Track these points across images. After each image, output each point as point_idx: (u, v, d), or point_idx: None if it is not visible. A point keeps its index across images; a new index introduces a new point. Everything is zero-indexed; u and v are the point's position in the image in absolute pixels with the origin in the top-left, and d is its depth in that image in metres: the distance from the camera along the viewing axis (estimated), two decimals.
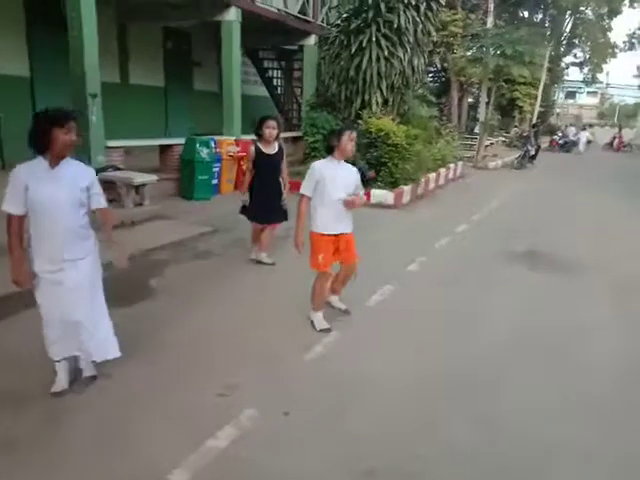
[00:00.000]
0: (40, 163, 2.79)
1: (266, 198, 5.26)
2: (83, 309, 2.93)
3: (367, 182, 8.99)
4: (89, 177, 2.94)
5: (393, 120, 11.39)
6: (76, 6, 6.60)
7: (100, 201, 2.99)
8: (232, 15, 9.42)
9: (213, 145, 8.60)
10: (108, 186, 6.91)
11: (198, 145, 8.10)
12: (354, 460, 2.51)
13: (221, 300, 4.42)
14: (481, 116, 18.72)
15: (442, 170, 12.14)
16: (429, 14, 11.39)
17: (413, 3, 10.61)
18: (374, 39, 10.54)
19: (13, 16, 8.51)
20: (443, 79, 23.21)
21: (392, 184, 9.12)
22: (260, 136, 5.15)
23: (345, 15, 11.11)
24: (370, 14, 10.49)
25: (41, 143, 2.72)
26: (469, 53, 17.27)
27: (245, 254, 5.64)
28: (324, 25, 12.39)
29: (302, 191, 3.77)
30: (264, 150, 5.16)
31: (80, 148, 6.74)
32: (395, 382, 3.23)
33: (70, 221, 2.84)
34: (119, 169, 7.19)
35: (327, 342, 3.72)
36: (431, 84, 25.93)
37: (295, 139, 11.77)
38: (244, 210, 5.42)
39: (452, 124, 20.57)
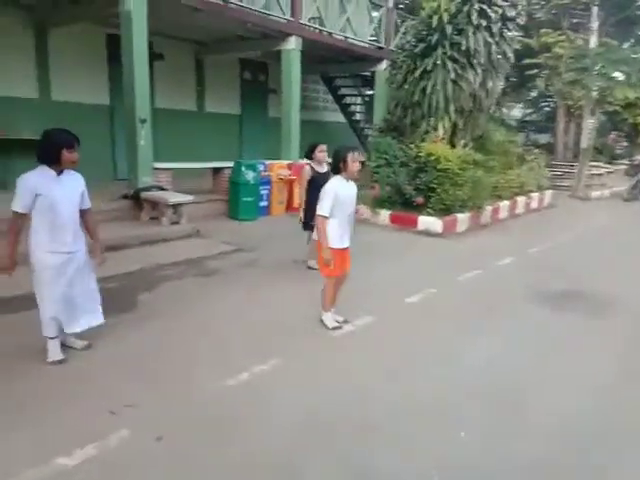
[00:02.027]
0: (46, 171, 3.38)
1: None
2: (84, 288, 3.62)
3: (415, 207, 8.69)
4: (82, 184, 3.63)
5: (465, 145, 10.91)
6: (128, 48, 7.24)
7: (88, 203, 3.71)
8: (292, 44, 9.72)
9: (262, 168, 8.86)
10: (150, 205, 7.43)
11: (244, 168, 8.40)
12: None
13: (189, 319, 4.46)
14: (583, 142, 17.14)
15: (520, 198, 11.28)
16: (505, 34, 10.80)
17: (484, 24, 10.13)
18: (439, 62, 10.21)
19: (98, 54, 9.59)
20: (550, 104, 21.76)
21: (443, 211, 8.63)
22: (312, 159, 5.86)
23: (411, 39, 10.91)
24: (435, 37, 10.20)
25: (51, 158, 3.36)
26: (566, 75, 15.98)
27: (256, 273, 5.85)
28: (396, 50, 12.27)
29: (322, 213, 4.07)
30: (318, 169, 5.79)
31: (130, 168, 7.42)
32: (293, 420, 3.01)
33: (74, 218, 3.52)
34: (163, 189, 7.68)
35: (260, 370, 3.56)
36: (533, 109, 24.58)
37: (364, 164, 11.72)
38: (306, 226, 5.92)
39: (558, 150, 19.22)
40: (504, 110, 23.20)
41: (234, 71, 12.36)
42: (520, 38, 20.70)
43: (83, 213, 3.64)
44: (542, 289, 5.73)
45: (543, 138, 22.34)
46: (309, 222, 5.67)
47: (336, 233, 4.14)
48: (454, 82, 10.33)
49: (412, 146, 9.03)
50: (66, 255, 3.49)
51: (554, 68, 18.24)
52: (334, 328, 4.29)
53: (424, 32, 10.51)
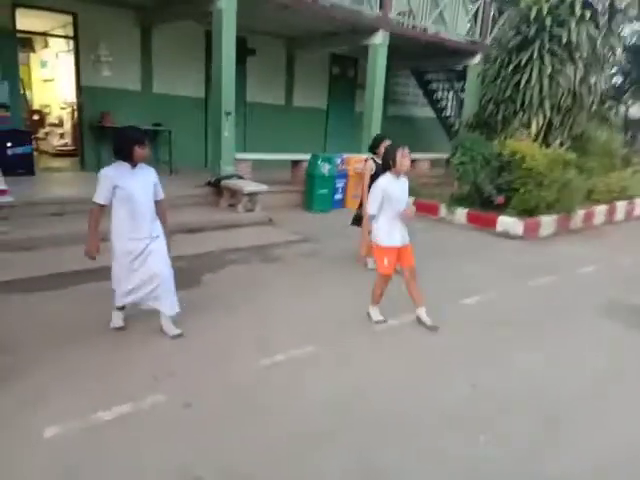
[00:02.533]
0: (123, 166, 3.69)
1: None
2: (163, 266, 3.83)
3: (495, 207, 8.35)
4: (155, 176, 3.88)
5: (562, 144, 10.26)
6: (218, 45, 7.66)
7: (161, 194, 3.94)
8: (379, 38, 9.69)
9: (339, 162, 8.98)
10: (229, 192, 7.85)
11: (320, 161, 8.56)
12: (188, 468, 2.52)
13: (242, 302, 4.68)
14: None
15: (621, 204, 10.37)
16: (612, 27, 9.96)
17: (587, 16, 9.41)
18: (536, 55, 9.66)
19: (197, 51, 10.21)
20: None
21: (526, 212, 8.19)
22: (376, 154, 5.71)
23: (508, 32, 10.41)
24: (533, 29, 9.66)
25: (126, 155, 3.66)
26: None
27: (315, 264, 5.96)
28: (491, 44, 11.77)
29: (370, 211, 4.15)
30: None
31: (214, 157, 7.88)
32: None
33: (150, 207, 3.79)
34: (241, 178, 8.05)
35: (293, 354, 3.68)
36: None
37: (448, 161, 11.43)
38: (355, 221, 5.97)
39: None
40: (621, 108, 21.35)
41: (324, 66, 12.55)
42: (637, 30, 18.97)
43: (157, 203, 3.88)
44: (620, 302, 5.29)
45: None
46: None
47: (385, 231, 4.14)
48: (551, 77, 9.75)
49: (496, 143, 8.62)
50: (145, 241, 3.74)
51: None
52: (378, 322, 4.32)
53: (521, 24, 9.99)
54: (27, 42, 13.06)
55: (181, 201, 7.81)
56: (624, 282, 6.00)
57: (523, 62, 9.78)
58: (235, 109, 10.86)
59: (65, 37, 9.54)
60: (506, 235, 8.00)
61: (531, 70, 9.75)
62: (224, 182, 7.84)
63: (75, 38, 8.89)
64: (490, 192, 8.37)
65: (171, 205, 7.51)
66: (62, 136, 11.81)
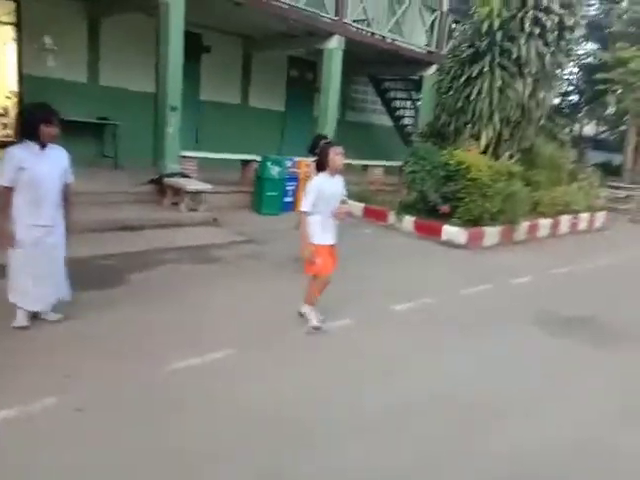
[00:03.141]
0: (30, 146, 3.49)
1: None
2: (58, 263, 3.76)
3: (441, 215, 8.42)
4: (66, 158, 3.76)
5: (511, 157, 10.46)
6: (164, 38, 7.46)
7: (71, 177, 3.83)
8: (334, 43, 9.69)
9: (290, 165, 8.90)
10: (172, 191, 7.64)
11: (270, 163, 8.46)
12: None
13: (167, 302, 4.51)
14: None
15: (565, 217, 10.65)
16: (561, 44, 10.25)
17: (536, 32, 9.66)
18: (487, 69, 9.84)
19: (146, 43, 9.94)
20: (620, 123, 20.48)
21: (471, 222, 8.30)
22: (316, 154, 5.40)
23: (459, 44, 10.59)
24: (484, 43, 9.84)
25: (31, 133, 3.48)
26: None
27: (254, 265, 5.85)
28: (447, 55, 11.96)
29: (304, 209, 4.06)
30: None
31: (157, 154, 7.64)
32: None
33: (55, 192, 3.64)
34: (186, 176, 7.86)
35: (211, 358, 3.55)
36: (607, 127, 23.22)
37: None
38: None
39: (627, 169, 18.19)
40: (576, 126, 22.08)
41: (281, 68, 12.48)
42: (593, 50, 19.71)
43: (64, 187, 3.76)
44: (549, 312, 5.38)
45: (617, 158, 20.96)
46: None
47: (319, 229, 4.08)
48: (501, 90, 9.93)
49: (444, 153, 8.72)
50: (44, 228, 3.61)
51: (628, 85, 17.15)
52: (314, 327, 4.17)
53: (474, 37, 10.17)
54: None
55: (121, 198, 7.56)
56: (553, 293, 6.12)
57: (474, 74, 9.94)
58: (189, 107, 10.70)
59: (6, 24, 9.11)
60: (450, 244, 8.08)
61: (482, 83, 9.91)
62: (167, 180, 7.63)
63: (18, 26, 8.52)
64: (435, 201, 8.45)
65: (110, 201, 7.37)
66: (5, 126, 11.30)
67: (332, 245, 4.22)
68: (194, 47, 10.55)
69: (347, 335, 4.22)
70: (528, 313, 5.26)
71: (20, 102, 8.89)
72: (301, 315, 4.31)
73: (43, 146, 3.56)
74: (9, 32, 9.06)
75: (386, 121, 14.71)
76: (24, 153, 3.49)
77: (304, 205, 4.07)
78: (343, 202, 4.31)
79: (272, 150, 12.16)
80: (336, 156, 4.02)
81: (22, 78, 8.71)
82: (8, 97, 11.35)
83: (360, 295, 5.24)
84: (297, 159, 9.21)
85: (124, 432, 2.66)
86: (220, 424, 2.83)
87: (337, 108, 10.27)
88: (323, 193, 4.03)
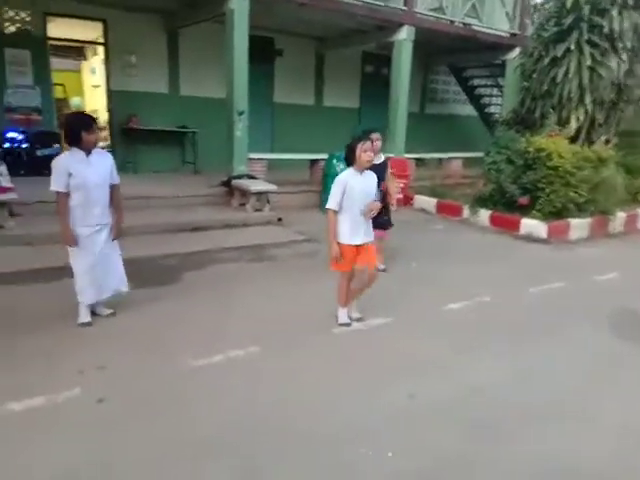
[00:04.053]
0: (77, 153, 3.78)
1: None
2: (112, 259, 4.02)
3: (520, 208, 7.84)
4: (111, 161, 3.99)
5: (608, 142, 9.49)
6: (230, 44, 7.70)
7: (116, 179, 4.03)
8: (403, 34, 9.41)
9: None
10: (240, 192, 7.88)
11: (335, 160, 8.39)
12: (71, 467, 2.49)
13: (209, 299, 4.62)
14: None
15: None
16: None
17: (630, 2, 8.64)
18: (573, 47, 8.98)
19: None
20: None
21: (553, 214, 7.62)
22: None
23: (542, 23, 9.77)
24: (569, 19, 8.99)
25: (74, 140, 3.75)
26: None
27: (307, 264, 5.79)
28: (530, 36, 11.11)
29: (330, 206, 3.92)
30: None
31: (227, 157, 7.92)
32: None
33: (103, 194, 3.90)
34: (253, 178, 8.05)
35: (234, 355, 3.58)
36: None
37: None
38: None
39: None
40: None
41: (355, 65, 12.36)
42: None
43: (112, 187, 3.99)
44: (628, 312, 4.77)
45: None
46: None
47: (346, 228, 3.93)
48: (591, 69, 9.03)
49: (522, 140, 8.08)
50: (94, 228, 3.87)
51: None
52: (341, 324, 4.12)
53: (559, 14, 9.34)
54: (79, 50, 13.86)
55: (194, 200, 7.93)
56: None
57: (560, 54, 9.13)
58: (263, 110, 10.99)
59: (96, 44, 9.96)
60: (529, 238, 7.48)
61: (569, 62, 9.08)
62: (234, 182, 7.87)
63: (105, 44, 9.27)
64: (513, 192, 7.86)
65: (183, 204, 7.76)
66: (106, 139, 12.38)
67: (362, 245, 3.97)
68: (267, 51, 10.82)
69: (383, 334, 4.04)
70: (602, 314, 4.71)
71: (110, 115, 9.66)
72: (336, 317, 4.21)
73: (88, 152, 3.80)
74: (100, 51, 9.90)
75: (470, 111, 14.01)
76: (70, 160, 3.74)
77: (329, 202, 3.92)
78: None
79: None
80: (363, 152, 3.80)
81: (111, 93, 9.44)
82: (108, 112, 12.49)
83: (413, 293, 5.02)
84: None
85: (133, 423, 2.75)
86: (219, 419, 2.84)
87: (407, 101, 9.95)
88: (351, 190, 3.85)
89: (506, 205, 8.14)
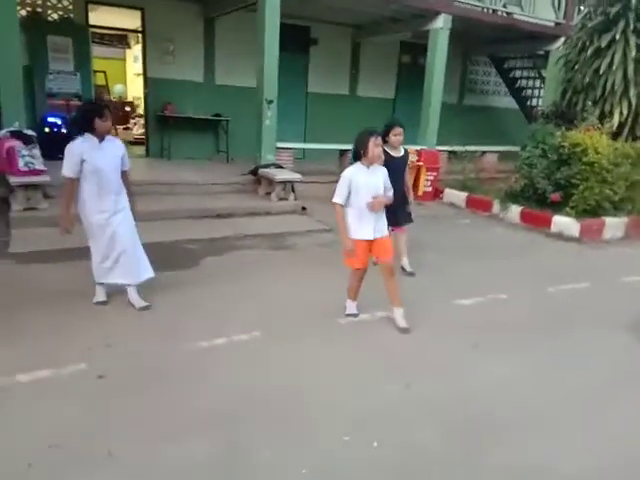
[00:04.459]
0: (90, 140, 3.84)
1: (398, 200, 5.36)
2: (128, 241, 4.03)
3: (553, 205, 7.61)
4: (122, 148, 4.07)
5: None
6: (261, 34, 7.74)
7: (127, 165, 4.12)
8: (440, 22, 9.22)
9: None
10: (267, 181, 7.96)
11: None
12: (54, 436, 2.61)
13: (223, 284, 4.72)
14: None
15: None
16: None
17: None
18: (618, 37, 8.58)
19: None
20: None
21: (587, 212, 7.35)
22: (386, 142, 5.27)
23: (588, 12, 9.35)
24: (616, 8, 8.58)
25: (87, 127, 3.82)
26: None
27: (325, 254, 5.80)
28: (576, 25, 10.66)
29: (334, 200, 3.89)
30: (392, 153, 5.20)
31: (256, 146, 8.01)
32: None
33: (117, 180, 3.97)
34: (280, 167, 8.11)
35: (237, 339, 3.65)
36: None
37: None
38: None
39: None
40: None
41: (392, 55, 12.19)
42: None
43: (122, 173, 4.06)
44: None
45: None
46: None
47: (355, 223, 3.88)
48: (637, 60, 8.62)
49: (557, 134, 7.79)
50: (108, 212, 3.95)
51: None
52: (348, 315, 4.15)
53: (604, 3, 8.92)
54: (122, 39, 14.27)
55: (221, 188, 8.08)
56: None
57: (604, 44, 8.74)
58: (297, 100, 11.03)
59: (135, 32, 10.21)
60: (560, 237, 7.25)
61: (614, 53, 8.70)
62: (261, 170, 7.95)
63: (143, 32, 9.49)
64: (545, 188, 7.61)
65: (211, 192, 7.91)
66: (143, 126, 12.73)
67: (375, 239, 3.91)
68: (302, 40, 10.82)
69: (386, 327, 4.01)
70: (624, 316, 4.52)
71: (146, 103, 9.92)
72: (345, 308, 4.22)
73: (101, 139, 3.89)
74: (138, 39, 10.15)
75: (511, 103, 13.59)
76: (84, 146, 3.79)
77: (334, 196, 3.87)
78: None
79: None
80: (375, 147, 3.75)
81: (147, 81, 9.68)
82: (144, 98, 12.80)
83: (425, 286, 4.97)
84: None
85: (125, 399, 2.87)
86: (202, 400, 2.90)
87: (442, 92, 9.76)
88: (357, 185, 3.78)
89: (538, 202, 7.89)
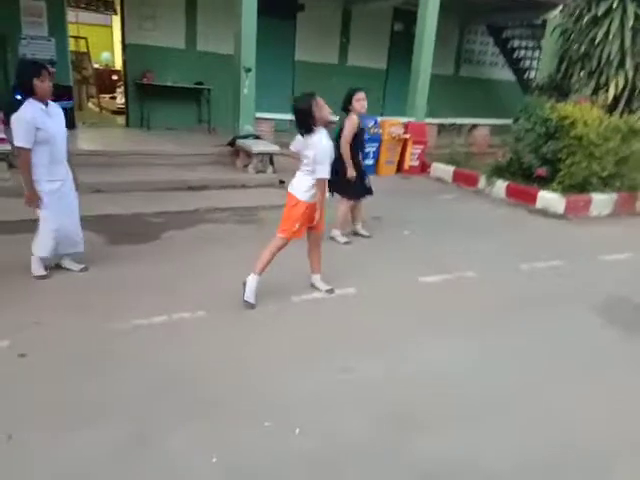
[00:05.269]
0: (36, 105, 3.60)
1: (363, 172, 5.28)
2: (76, 213, 3.98)
3: (540, 180, 7.34)
4: (62, 113, 3.85)
5: None
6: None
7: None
8: None
9: (371, 124, 8.41)
10: (245, 153, 7.71)
11: None
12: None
13: (176, 258, 4.54)
14: None
15: None
16: None
17: None
18: (615, 5, 8.16)
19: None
20: None
21: (574, 188, 7.08)
22: (348, 111, 5.11)
23: None
24: None
25: (27, 89, 3.59)
26: None
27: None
28: None
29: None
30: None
31: (233, 116, 7.73)
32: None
33: (65, 147, 3.82)
34: (258, 138, 7.84)
35: (178, 317, 3.49)
36: None
37: None
38: (346, 188, 5.12)
39: None
40: None
41: (384, 22, 11.74)
42: None
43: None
44: (625, 296, 4.36)
45: None
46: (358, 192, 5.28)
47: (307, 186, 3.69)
48: (634, 30, 8.22)
49: (546, 107, 7.46)
50: (60, 182, 3.80)
51: None
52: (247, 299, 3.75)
53: None
54: (110, 5, 13.80)
55: (198, 159, 7.83)
56: None
57: (601, 13, 8.32)
58: (283, 68, 10.67)
59: None
60: (545, 213, 7.00)
61: (610, 22, 8.28)
62: (239, 142, 7.68)
63: None
64: (531, 162, 7.33)
65: (186, 163, 7.67)
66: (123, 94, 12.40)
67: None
68: (288, 6, 10.40)
69: (340, 305, 3.84)
70: (596, 296, 4.33)
71: (125, 70, 9.59)
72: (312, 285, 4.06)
73: (46, 104, 3.67)
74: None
75: (509, 75, 13.16)
76: (36, 113, 3.56)
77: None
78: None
79: (374, 111, 11.66)
80: (322, 108, 3.51)
81: (125, 47, 9.34)
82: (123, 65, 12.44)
83: (392, 263, 4.79)
84: (380, 119, 8.66)
85: (42, 382, 2.71)
86: (122, 383, 2.75)
87: (431, 61, 9.36)
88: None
89: (524, 177, 7.62)
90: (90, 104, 12.48)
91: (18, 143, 3.56)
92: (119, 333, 3.23)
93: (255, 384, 2.82)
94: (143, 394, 2.66)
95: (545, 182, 7.30)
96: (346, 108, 5.08)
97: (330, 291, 4.00)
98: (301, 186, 3.67)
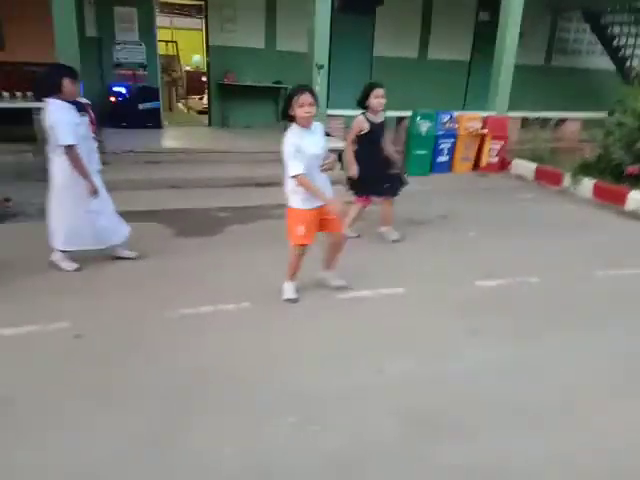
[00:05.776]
0: (65, 104, 3.70)
1: (381, 168, 5.04)
2: (108, 205, 4.17)
3: (628, 179, 6.72)
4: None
5: None
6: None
7: None
8: None
9: (446, 119, 8.14)
10: None
11: (418, 118, 7.87)
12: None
13: (232, 253, 4.65)
14: None
15: None
16: None
17: None
18: None
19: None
20: None
21: None
22: (367, 108, 4.86)
23: None
24: None
25: (55, 88, 3.64)
26: None
27: (356, 225, 5.50)
28: None
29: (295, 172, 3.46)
30: (372, 119, 4.89)
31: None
32: None
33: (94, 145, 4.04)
34: (328, 135, 7.84)
35: (224, 308, 3.59)
36: None
37: None
38: (354, 186, 5.16)
39: None
40: None
41: (468, 12, 11.25)
42: None
43: None
44: None
45: None
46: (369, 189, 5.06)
47: (300, 192, 3.51)
48: None
49: None
50: (96, 174, 4.01)
51: None
52: (287, 300, 3.74)
53: None
54: (201, 10, 14.51)
55: (267, 156, 7.96)
56: None
57: None
58: (361, 64, 10.61)
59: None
60: (634, 215, 6.37)
61: None
62: None
63: (205, 0, 9.54)
64: (622, 159, 6.69)
65: (256, 160, 7.89)
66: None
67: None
68: (368, 1, 10.31)
69: (388, 305, 3.76)
70: None
71: (208, 71, 10.04)
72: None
73: (73, 103, 3.75)
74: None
75: (608, 64, 12.11)
76: (72, 112, 3.69)
77: (291, 169, 3.40)
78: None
79: (455, 105, 11.24)
80: (302, 107, 3.31)
81: (209, 49, 9.77)
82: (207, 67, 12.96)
83: (452, 266, 4.59)
84: (456, 113, 8.34)
85: (93, 360, 2.92)
86: (160, 371, 2.86)
87: (515, 50, 8.81)
88: (302, 151, 3.37)
89: (614, 175, 6.98)
90: (180, 105, 13.20)
91: (64, 142, 3.63)
92: (168, 321, 3.39)
93: (290, 380, 2.81)
94: (175, 384, 2.76)
95: (637, 181, 6.63)
96: (362, 104, 4.78)
97: (342, 288, 3.87)
98: (287, 190, 3.56)
